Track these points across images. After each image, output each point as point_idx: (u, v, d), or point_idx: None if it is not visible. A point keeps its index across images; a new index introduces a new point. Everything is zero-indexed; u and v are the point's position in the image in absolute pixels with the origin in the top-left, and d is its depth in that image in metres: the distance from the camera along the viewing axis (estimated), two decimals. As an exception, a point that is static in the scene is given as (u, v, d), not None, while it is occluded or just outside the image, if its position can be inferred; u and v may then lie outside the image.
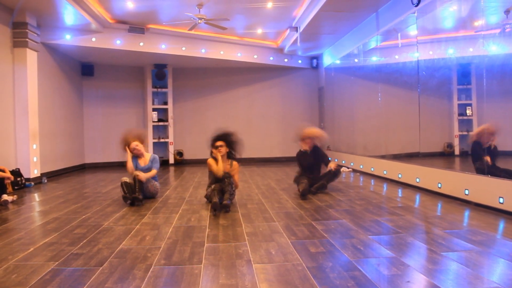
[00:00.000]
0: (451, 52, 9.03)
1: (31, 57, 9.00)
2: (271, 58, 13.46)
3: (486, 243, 3.91)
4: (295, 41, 11.38)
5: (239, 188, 7.81)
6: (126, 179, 6.39)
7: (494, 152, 6.29)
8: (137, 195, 6.25)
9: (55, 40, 10.26)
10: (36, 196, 7.44)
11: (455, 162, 9.62)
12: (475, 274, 3.08)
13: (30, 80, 8.91)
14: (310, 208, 5.80)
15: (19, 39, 8.71)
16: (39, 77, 9.39)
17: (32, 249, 3.93)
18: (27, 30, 8.71)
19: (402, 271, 3.16)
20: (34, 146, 9.04)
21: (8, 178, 6.84)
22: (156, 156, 6.92)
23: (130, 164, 6.64)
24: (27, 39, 8.73)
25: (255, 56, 13.14)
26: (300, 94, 14.70)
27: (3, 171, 6.80)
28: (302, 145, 7.43)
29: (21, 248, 3.95)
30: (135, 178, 6.33)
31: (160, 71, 13.47)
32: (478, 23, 7.24)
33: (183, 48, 12.00)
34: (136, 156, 6.78)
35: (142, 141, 6.93)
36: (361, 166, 10.21)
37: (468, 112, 9.82)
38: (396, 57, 9.63)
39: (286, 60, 13.79)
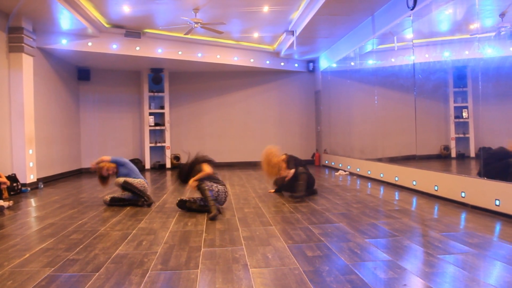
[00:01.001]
0: (447, 55, 9.06)
1: (27, 62, 8.98)
2: (268, 62, 13.48)
3: (483, 245, 3.91)
4: (292, 44, 11.40)
5: (236, 192, 7.81)
6: (108, 197, 6.69)
7: None
8: (149, 200, 6.57)
9: (51, 44, 10.25)
10: (32, 202, 7.41)
11: (451, 164, 9.63)
12: (471, 277, 3.08)
13: (26, 85, 8.89)
14: (306, 211, 5.80)
15: (15, 44, 8.69)
16: (35, 82, 9.37)
17: (28, 255, 3.91)
18: (23, 35, 8.69)
19: (399, 275, 3.16)
20: (30, 151, 9.01)
21: (4, 183, 6.82)
22: (115, 157, 7.00)
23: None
24: (23, 44, 8.72)
25: (252, 60, 13.16)
26: (297, 98, 14.71)
27: None
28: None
29: (17, 254, 3.94)
30: (124, 185, 6.59)
31: (156, 75, 13.48)
32: (474, 26, 7.27)
33: (180, 52, 12.00)
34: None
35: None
36: (358, 169, 10.21)
37: (464, 114, 9.85)
38: (392, 60, 9.65)
39: (282, 63, 13.81)
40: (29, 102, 9.03)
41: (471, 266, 3.33)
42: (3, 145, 8.51)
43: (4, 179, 6.84)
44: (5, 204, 6.46)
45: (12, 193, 8.04)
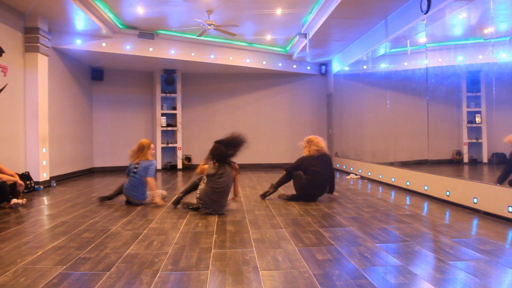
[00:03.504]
0: (460, 60, 9.00)
1: (42, 62, 9.09)
2: (280, 64, 13.49)
3: (495, 252, 3.88)
4: (304, 47, 11.40)
5: (247, 194, 7.82)
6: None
7: None
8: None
9: (66, 45, 10.36)
10: (45, 200, 7.49)
11: (464, 170, 9.57)
12: (483, 284, 3.06)
13: (41, 84, 9.00)
14: (317, 215, 5.79)
15: (30, 44, 8.80)
16: (49, 81, 9.48)
17: (40, 252, 3.96)
18: (38, 35, 8.80)
19: (409, 280, 3.15)
20: (44, 150, 9.11)
21: (21, 185, 6.87)
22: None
23: None
24: (38, 44, 8.82)
25: (264, 62, 13.17)
26: (309, 101, 14.70)
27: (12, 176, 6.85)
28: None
29: (30, 252, 3.98)
30: None
31: (169, 76, 13.54)
32: (488, 30, 7.22)
33: (192, 54, 12.06)
34: None
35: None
36: (369, 173, 10.18)
37: (477, 119, 9.77)
38: (405, 64, 9.60)
39: (295, 66, 13.81)
40: (44, 101, 9.14)
41: (483, 273, 3.31)
42: (17, 144, 8.61)
43: (20, 181, 6.90)
44: (18, 201, 6.53)
45: (25, 191, 8.12)
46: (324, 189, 7.09)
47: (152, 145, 7.08)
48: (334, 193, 7.35)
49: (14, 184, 6.74)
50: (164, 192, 7.22)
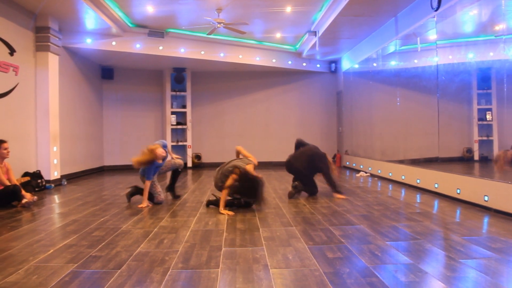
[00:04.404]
0: (471, 57, 8.94)
1: (53, 61, 9.16)
2: (290, 62, 13.47)
3: (506, 250, 3.85)
4: (314, 45, 11.37)
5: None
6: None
7: None
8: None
9: (76, 44, 10.43)
10: (56, 198, 7.55)
11: (474, 167, 9.51)
12: (494, 282, 3.04)
13: (52, 83, 9.07)
14: (327, 213, 5.78)
15: (41, 43, 8.88)
16: (60, 80, 9.55)
17: (52, 250, 4.00)
18: (49, 35, 8.87)
19: (420, 278, 3.14)
20: (55, 148, 9.18)
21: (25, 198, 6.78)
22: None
23: None
24: (49, 43, 8.90)
25: (274, 60, 13.17)
26: (318, 98, 14.67)
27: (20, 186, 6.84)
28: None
29: (42, 250, 4.02)
30: None
31: (179, 75, 13.58)
32: (499, 27, 7.16)
33: (202, 52, 12.08)
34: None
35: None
36: (379, 171, 10.14)
37: (488, 117, 9.71)
38: (415, 61, 9.56)
39: (304, 64, 13.79)
40: (54, 100, 9.21)
41: (494, 271, 3.29)
42: (28, 142, 8.69)
43: (25, 193, 6.81)
44: (30, 197, 6.60)
45: (36, 189, 8.20)
46: (304, 179, 7.24)
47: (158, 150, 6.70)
48: (335, 194, 7.09)
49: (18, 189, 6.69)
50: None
